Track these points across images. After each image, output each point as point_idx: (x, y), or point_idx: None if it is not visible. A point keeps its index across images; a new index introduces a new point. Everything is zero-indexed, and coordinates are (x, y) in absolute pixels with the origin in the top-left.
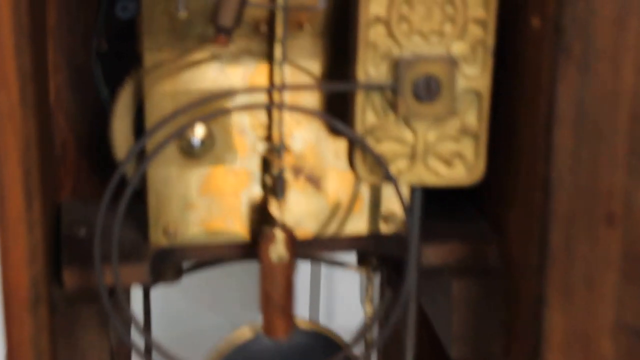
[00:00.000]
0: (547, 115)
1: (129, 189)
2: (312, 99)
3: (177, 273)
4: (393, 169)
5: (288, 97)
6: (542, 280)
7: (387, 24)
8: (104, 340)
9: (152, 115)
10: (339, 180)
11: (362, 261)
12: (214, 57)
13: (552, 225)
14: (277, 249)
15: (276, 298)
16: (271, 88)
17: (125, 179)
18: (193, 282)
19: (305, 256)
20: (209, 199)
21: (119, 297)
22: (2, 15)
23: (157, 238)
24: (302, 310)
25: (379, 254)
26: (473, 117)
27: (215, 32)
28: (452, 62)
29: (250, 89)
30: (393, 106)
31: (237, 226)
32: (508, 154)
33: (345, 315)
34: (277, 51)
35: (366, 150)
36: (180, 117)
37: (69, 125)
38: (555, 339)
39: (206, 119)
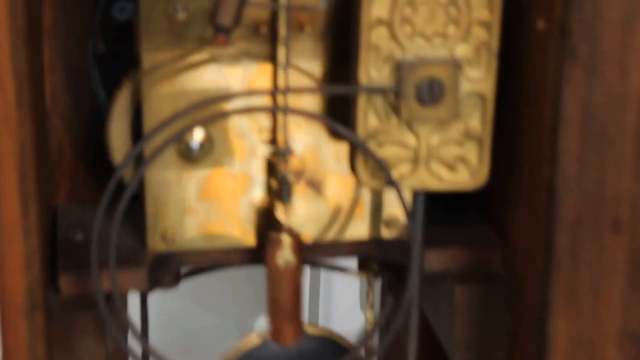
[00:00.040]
0: (553, 118)
1: (126, 193)
2: (312, 102)
3: (175, 278)
4: (395, 173)
5: (284, 100)
6: (546, 286)
7: (389, 26)
8: (101, 346)
9: (150, 118)
10: (340, 184)
11: (363, 266)
12: (213, 59)
13: (557, 231)
14: (284, 254)
15: (284, 304)
16: (275, 91)
17: (122, 183)
18: (190, 285)
19: (305, 261)
20: (208, 203)
21: (116, 303)
22: None
23: (155, 243)
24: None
25: (380, 260)
26: (477, 120)
27: (214, 31)
28: (455, 65)
29: (253, 92)
30: (395, 109)
31: (237, 231)
32: (512, 158)
33: (343, 320)
34: (281, 53)
35: (368, 155)
36: (179, 120)
37: (65, 127)
38: (560, 346)
39: (206, 122)
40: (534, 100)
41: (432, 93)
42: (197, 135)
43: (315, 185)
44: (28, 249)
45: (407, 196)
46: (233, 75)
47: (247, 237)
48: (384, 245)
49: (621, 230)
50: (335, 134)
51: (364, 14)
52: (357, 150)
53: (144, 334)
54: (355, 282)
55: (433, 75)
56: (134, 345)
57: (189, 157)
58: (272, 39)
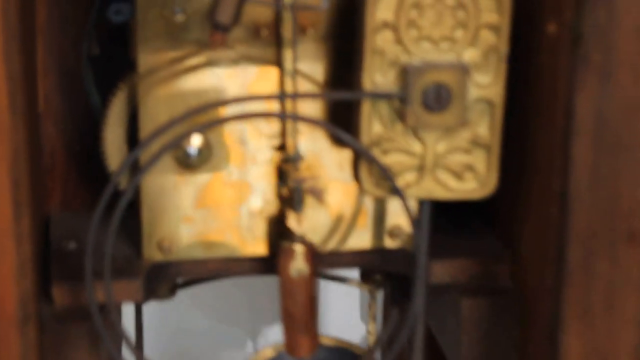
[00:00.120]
0: (565, 126)
1: (122, 201)
2: (314, 107)
3: (171, 289)
4: (400, 182)
5: (291, 105)
6: (558, 301)
7: (395, 29)
8: (95, 359)
9: (147, 123)
10: (342, 192)
11: (366, 277)
12: (212, 63)
13: (569, 243)
14: (297, 264)
15: (298, 315)
16: (282, 96)
17: (117, 190)
18: (188, 293)
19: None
20: (206, 211)
21: (110, 315)
22: None
23: (151, 253)
24: None
25: (383, 270)
26: (485, 127)
27: (212, 29)
28: (463, 70)
29: (259, 97)
30: (401, 116)
31: (236, 240)
32: (521, 166)
33: (342, 331)
34: (287, 56)
35: (372, 162)
36: (176, 125)
37: (58, 132)
38: None
39: (206, 128)
40: (545, 106)
41: (438, 99)
42: (195, 142)
43: (317, 194)
44: (21, 258)
45: (413, 205)
46: (233, 80)
47: (247, 246)
48: (388, 256)
49: (636, 243)
50: (338, 141)
51: (368, 17)
52: (361, 158)
53: (138, 346)
54: (354, 293)
55: (440, 81)
56: (128, 358)
57: (187, 164)
58: (275, 42)
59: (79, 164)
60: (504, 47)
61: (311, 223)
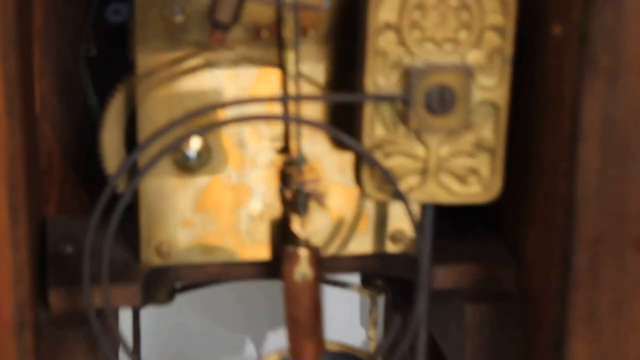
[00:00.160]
0: (571, 129)
1: (120, 205)
2: (315, 109)
3: (170, 294)
4: (403, 185)
5: (293, 107)
6: (564, 307)
7: (397, 30)
8: None
9: (145, 125)
10: (343, 196)
11: (367, 282)
12: (211, 64)
13: (576, 249)
14: (301, 269)
15: (303, 320)
16: (285, 98)
17: (115, 193)
18: (186, 296)
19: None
20: (205, 215)
21: (108, 320)
22: None
23: (149, 257)
24: None
25: (384, 275)
26: (489, 130)
27: (212, 27)
28: (467, 72)
29: (261, 99)
30: (404, 118)
31: (235, 244)
32: (527, 170)
33: (342, 336)
34: (289, 58)
35: (374, 166)
36: (175, 127)
37: (55, 134)
38: None
39: (206, 130)
40: (551, 110)
41: (442, 101)
42: (195, 144)
43: (318, 197)
44: (17, 263)
45: (415, 209)
46: (231, 81)
47: (246, 250)
48: (389, 260)
49: None
50: (339, 144)
51: (370, 18)
52: (363, 161)
53: (136, 351)
54: (354, 298)
55: (443, 83)
56: None
57: (186, 167)
58: (275, 44)
59: (77, 166)
60: (508, 49)
61: (312, 227)
